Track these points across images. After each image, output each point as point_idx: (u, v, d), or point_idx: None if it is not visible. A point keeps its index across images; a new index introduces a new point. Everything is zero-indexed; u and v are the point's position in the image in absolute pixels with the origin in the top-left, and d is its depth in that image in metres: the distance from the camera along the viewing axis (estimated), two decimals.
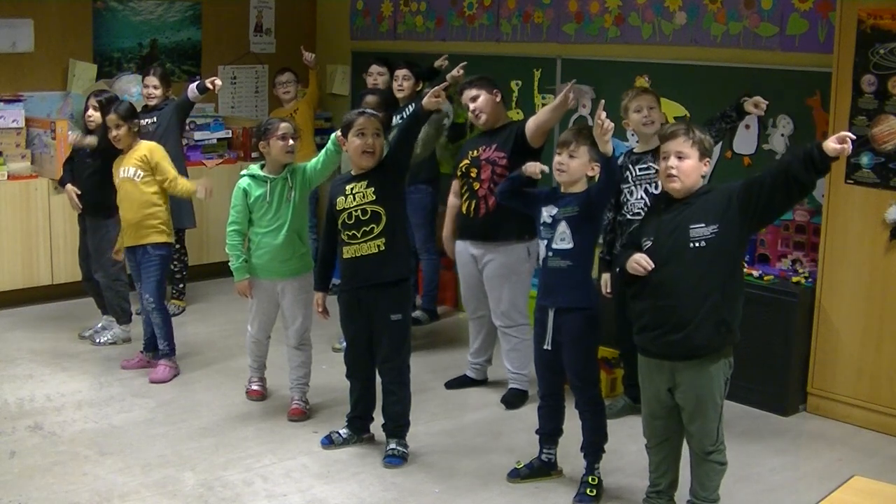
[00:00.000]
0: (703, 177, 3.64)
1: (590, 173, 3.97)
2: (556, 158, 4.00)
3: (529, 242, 4.83)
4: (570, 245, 3.93)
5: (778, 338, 4.92)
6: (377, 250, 4.28)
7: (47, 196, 6.47)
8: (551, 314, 3.99)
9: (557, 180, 4.05)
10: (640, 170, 4.63)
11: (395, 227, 4.32)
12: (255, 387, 5.08)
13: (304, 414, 4.83)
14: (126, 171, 5.24)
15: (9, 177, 6.37)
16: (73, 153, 5.86)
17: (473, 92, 4.98)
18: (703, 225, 3.49)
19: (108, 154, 5.42)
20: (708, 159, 3.61)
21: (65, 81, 7.03)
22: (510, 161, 4.78)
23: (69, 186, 5.78)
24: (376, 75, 6.42)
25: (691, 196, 3.58)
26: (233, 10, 7.84)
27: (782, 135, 5.27)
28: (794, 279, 5.04)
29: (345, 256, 4.36)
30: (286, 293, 4.79)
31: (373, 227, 4.27)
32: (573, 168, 3.96)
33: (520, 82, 6.44)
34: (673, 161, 3.55)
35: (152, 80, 6.27)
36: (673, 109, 5.44)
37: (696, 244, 3.49)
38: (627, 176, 4.66)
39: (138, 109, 5.66)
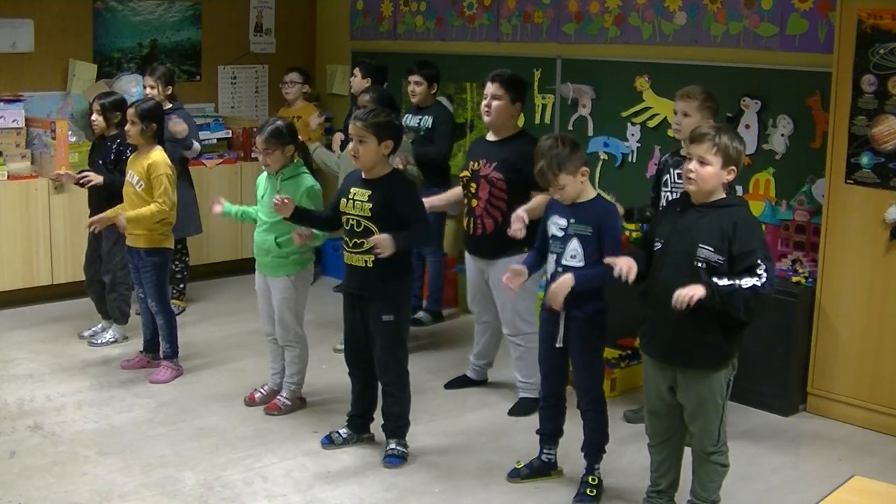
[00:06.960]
0: (727, 184, 3.55)
1: (582, 179, 3.93)
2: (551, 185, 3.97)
3: None
4: (581, 263, 3.88)
5: (778, 338, 4.92)
6: (364, 265, 4.24)
7: (47, 196, 6.46)
8: (562, 315, 3.98)
9: (558, 199, 4.00)
10: (678, 175, 4.41)
11: None
12: (254, 392, 5.03)
13: (279, 409, 4.84)
14: (131, 176, 5.21)
15: (9, 177, 6.36)
16: (90, 156, 5.86)
17: (497, 91, 4.83)
18: (712, 250, 3.44)
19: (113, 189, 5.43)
20: (733, 168, 3.51)
21: (65, 81, 7.03)
22: (507, 185, 4.76)
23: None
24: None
25: (708, 205, 3.52)
26: (233, 10, 7.83)
27: (782, 135, 5.27)
28: (794, 279, 5.04)
29: (344, 258, 4.37)
30: (272, 291, 4.80)
31: (363, 242, 4.21)
32: (568, 189, 3.91)
33: None
34: (694, 165, 3.51)
35: (148, 79, 6.28)
36: (671, 110, 5.43)
37: (700, 264, 3.45)
38: (667, 179, 4.60)
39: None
